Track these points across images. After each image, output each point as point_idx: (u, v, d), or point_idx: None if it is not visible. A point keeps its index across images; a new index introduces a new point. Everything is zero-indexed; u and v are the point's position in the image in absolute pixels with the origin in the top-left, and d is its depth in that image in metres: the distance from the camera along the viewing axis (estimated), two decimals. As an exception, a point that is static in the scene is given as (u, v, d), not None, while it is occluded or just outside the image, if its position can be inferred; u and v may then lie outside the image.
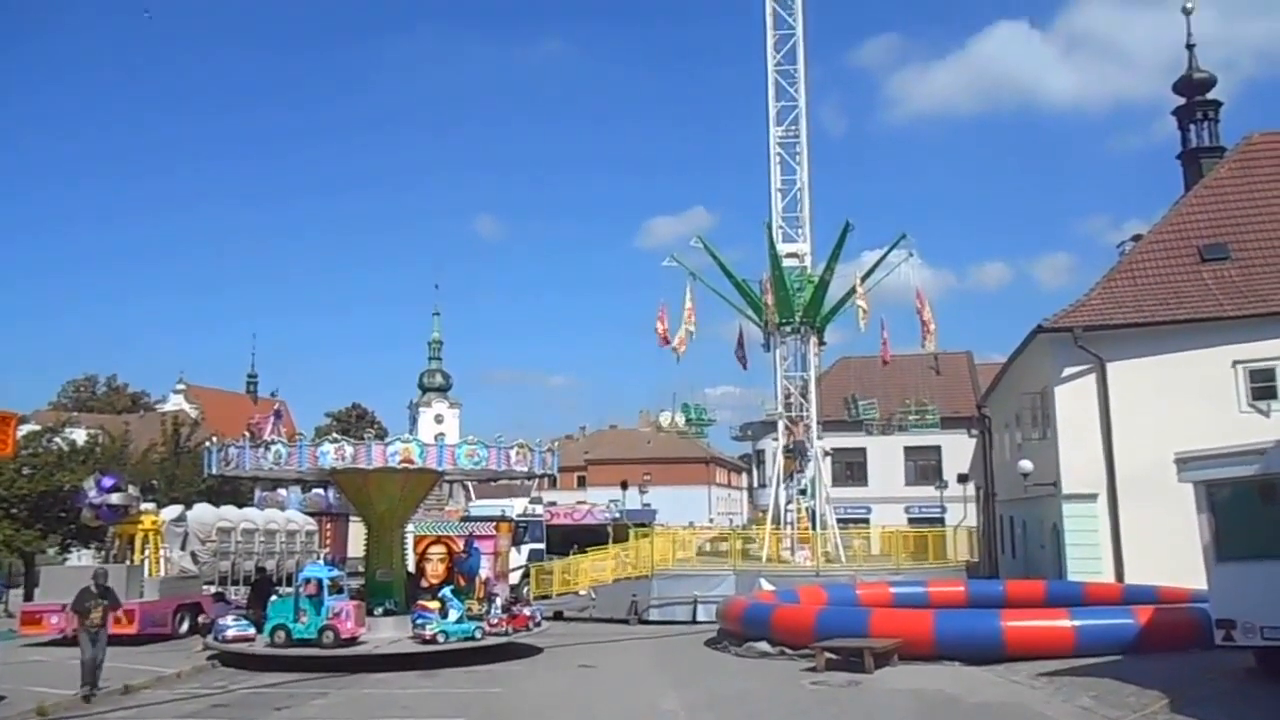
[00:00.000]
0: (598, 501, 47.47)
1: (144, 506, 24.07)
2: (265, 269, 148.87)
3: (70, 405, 67.25)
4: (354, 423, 77.08)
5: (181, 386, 79.35)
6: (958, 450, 43.14)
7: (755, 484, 57.50)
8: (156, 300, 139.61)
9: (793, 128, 32.64)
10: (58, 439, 32.87)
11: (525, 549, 34.94)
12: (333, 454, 18.72)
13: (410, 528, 22.82)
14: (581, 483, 79.24)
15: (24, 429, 25.25)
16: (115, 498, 22.35)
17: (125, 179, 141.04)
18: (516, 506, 38.07)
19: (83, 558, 34.16)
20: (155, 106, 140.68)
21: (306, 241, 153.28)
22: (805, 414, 31.62)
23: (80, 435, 35.61)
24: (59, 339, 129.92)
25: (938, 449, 45.97)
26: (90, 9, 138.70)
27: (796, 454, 31.47)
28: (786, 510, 31.14)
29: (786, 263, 31.34)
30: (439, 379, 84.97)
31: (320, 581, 18.06)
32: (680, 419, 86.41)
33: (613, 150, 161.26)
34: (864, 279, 31.24)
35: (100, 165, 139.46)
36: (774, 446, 33.63)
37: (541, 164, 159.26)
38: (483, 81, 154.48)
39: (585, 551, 32.63)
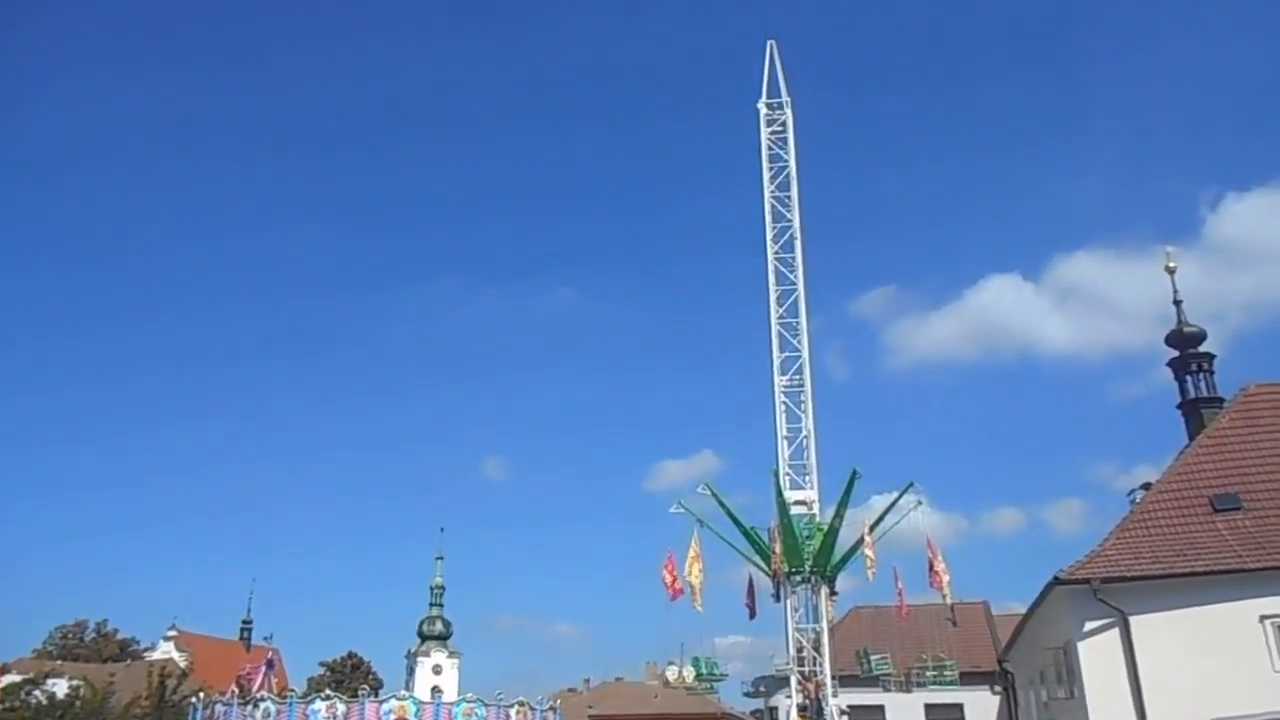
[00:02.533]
0: (602, 762, 44.50)
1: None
2: (265, 509, 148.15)
3: (55, 653, 64.85)
4: (349, 673, 73.98)
5: (173, 633, 76.86)
6: (981, 708, 40.90)
7: (770, 743, 54.09)
8: (153, 543, 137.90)
9: (797, 377, 33.38)
10: (37, 691, 31.52)
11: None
12: (324, 712, 17.94)
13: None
14: (586, 740, 74.91)
15: (4, 679, 24.28)
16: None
17: (136, 429, 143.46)
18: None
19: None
20: (163, 362, 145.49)
21: (307, 480, 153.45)
22: (819, 669, 30.28)
23: (62, 686, 34.15)
24: (52, 581, 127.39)
25: (960, 707, 43.53)
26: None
27: (812, 714, 29.84)
28: (802, 774, 29.13)
29: (794, 510, 31.09)
30: (439, 626, 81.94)
31: None
32: (689, 672, 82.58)
33: (621, 394, 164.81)
34: (872, 528, 30.84)
35: (110, 408, 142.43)
36: (788, 704, 31.95)
37: (551, 407, 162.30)
38: (495, 328, 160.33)
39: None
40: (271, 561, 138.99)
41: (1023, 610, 28.82)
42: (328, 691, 20.27)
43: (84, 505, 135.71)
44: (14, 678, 30.79)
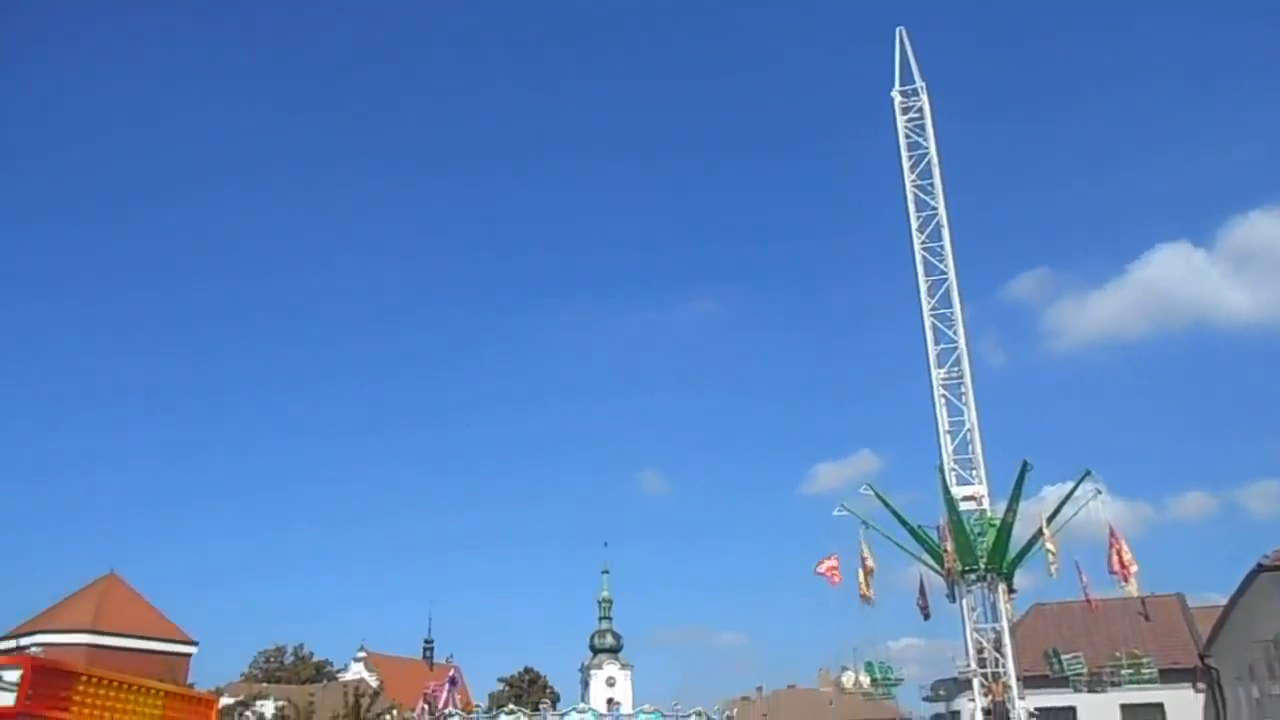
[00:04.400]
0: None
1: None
2: (440, 534, 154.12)
3: (260, 675, 69.44)
4: (526, 688, 76.06)
5: (362, 654, 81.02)
6: (1182, 708, 38.28)
7: (954, 749, 52.31)
8: (340, 570, 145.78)
9: (954, 369, 32.39)
10: (249, 712, 33.88)
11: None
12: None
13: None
14: (762, 749, 74.49)
15: (221, 703, 26.28)
16: (300, 775, 22.57)
17: (322, 469, 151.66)
18: (696, 778, 35.89)
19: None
20: (320, 377, 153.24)
21: (476, 499, 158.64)
22: (1002, 670, 29.14)
23: (269, 707, 36.58)
24: (255, 609, 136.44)
25: (1159, 707, 40.93)
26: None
27: (998, 717, 28.73)
28: (994, 782, 28.07)
29: (963, 506, 30.09)
30: (609, 639, 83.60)
31: None
32: (864, 678, 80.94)
33: (773, 400, 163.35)
34: (1049, 520, 29.52)
35: (298, 439, 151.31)
36: (971, 708, 30.86)
37: (701, 417, 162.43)
38: (639, 342, 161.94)
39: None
40: (446, 583, 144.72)
41: (1222, 601, 26.94)
42: (511, 706, 21.00)
43: (279, 540, 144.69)
44: (228, 700, 33.15)
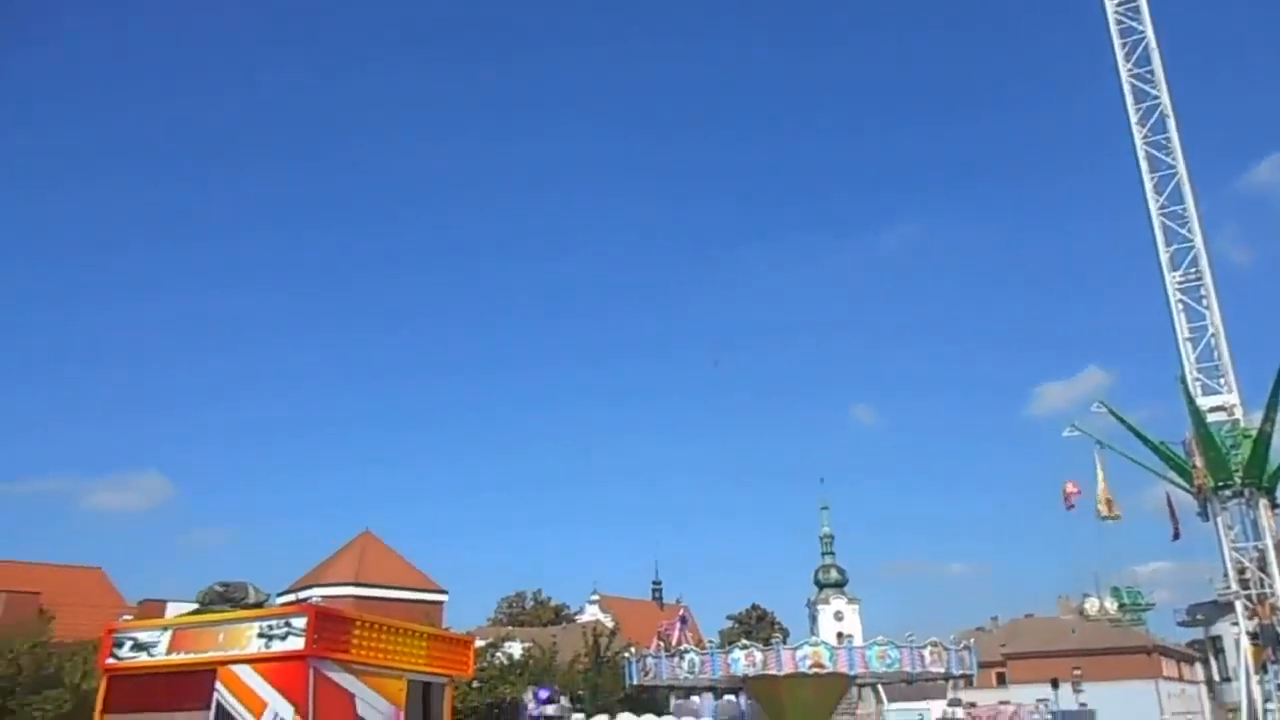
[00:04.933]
0: (1023, 701, 42.92)
1: (574, 717, 25.63)
2: (662, 479, 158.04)
3: (505, 620, 74.24)
4: (755, 624, 77.37)
5: (595, 597, 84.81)
6: None
7: (1216, 677, 49.08)
8: (571, 518, 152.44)
9: (1191, 270, 29.84)
10: (499, 654, 36.27)
11: (951, 757, 32.28)
12: (743, 660, 18.98)
13: (826, 735, 22.11)
14: (1001, 680, 72.60)
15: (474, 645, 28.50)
16: (551, 709, 24.08)
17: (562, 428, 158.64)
18: (934, 709, 35.55)
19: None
20: (554, 353, 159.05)
21: (692, 449, 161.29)
22: (1269, 590, 26.95)
23: (515, 649, 39.04)
24: (497, 559, 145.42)
25: None
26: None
27: (1266, 640, 26.65)
28: (1266, 711, 26.15)
29: (1212, 418, 27.86)
30: (834, 574, 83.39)
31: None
32: (1110, 604, 77.10)
33: (988, 322, 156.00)
34: (1316, 426, 26.82)
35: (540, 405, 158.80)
36: (1234, 632, 28.79)
37: (913, 350, 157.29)
38: (844, 271, 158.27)
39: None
40: (671, 527, 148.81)
41: None
42: (744, 640, 21.43)
43: (515, 495, 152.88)
44: (480, 643, 35.65)
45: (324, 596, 33.27)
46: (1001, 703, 44.68)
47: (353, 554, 49.48)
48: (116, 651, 11.84)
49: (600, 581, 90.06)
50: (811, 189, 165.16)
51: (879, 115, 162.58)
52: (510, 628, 54.35)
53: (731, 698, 31.12)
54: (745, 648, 19.72)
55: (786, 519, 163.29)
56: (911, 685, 31.03)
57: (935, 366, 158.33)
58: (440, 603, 48.73)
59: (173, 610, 29.21)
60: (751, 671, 19.10)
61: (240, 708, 10.58)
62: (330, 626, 10.97)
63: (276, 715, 10.34)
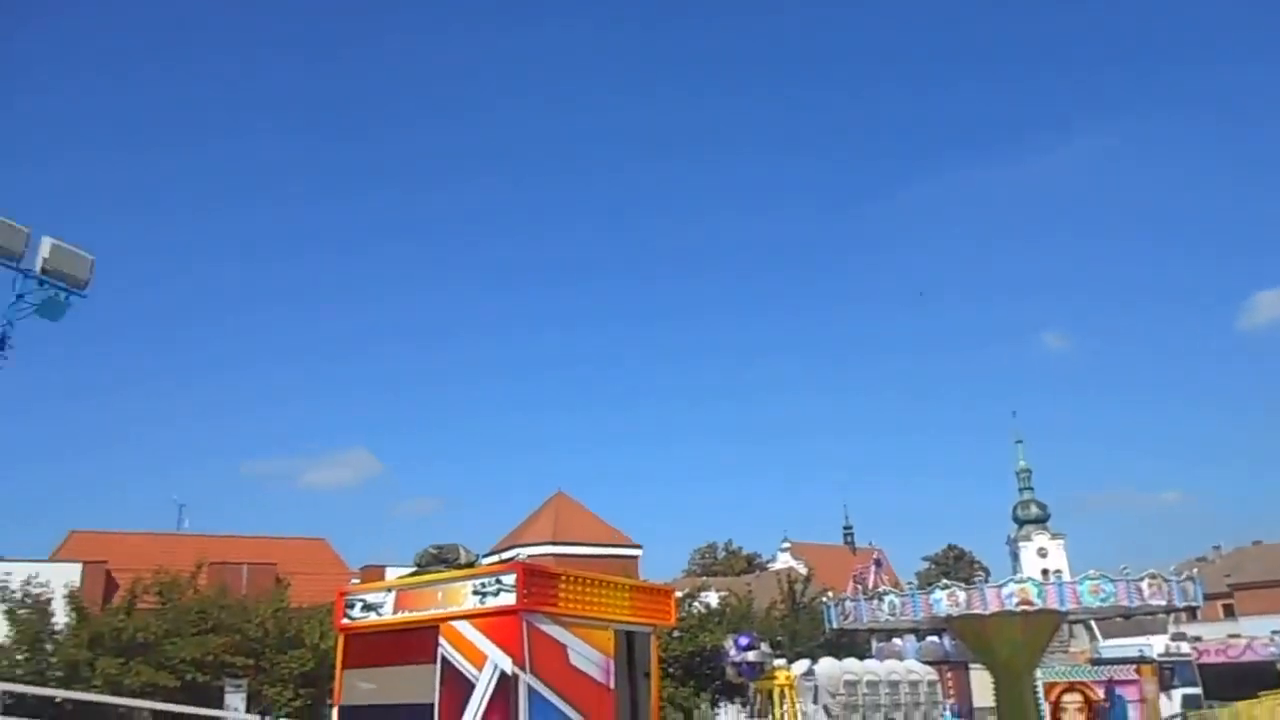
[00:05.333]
0: (1255, 634, 40.10)
1: (775, 662, 25.85)
2: (847, 424, 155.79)
3: (698, 571, 75.63)
4: (953, 564, 75.62)
5: (786, 545, 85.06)
6: None
7: None
8: (760, 468, 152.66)
9: None
10: (696, 603, 37.03)
11: (1177, 695, 30.60)
12: (946, 601, 18.55)
13: (1039, 673, 21.40)
14: (1228, 612, 68.24)
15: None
16: (752, 655, 24.36)
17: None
18: (1156, 645, 33.75)
19: (729, 712, 37.39)
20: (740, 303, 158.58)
21: (880, 387, 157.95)
22: None
23: (712, 598, 39.75)
24: (689, 511, 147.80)
25: None
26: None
27: None
28: None
29: None
30: (1034, 510, 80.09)
31: (956, 734, 17.63)
32: (1353, 526, 70.94)
33: (1193, 227, 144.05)
34: None
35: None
36: None
37: (1106, 269, 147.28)
38: (1026, 188, 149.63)
39: (1256, 696, 27.53)
40: (858, 470, 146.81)
41: None
42: (944, 581, 20.94)
43: (702, 448, 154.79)
44: (677, 594, 36.45)
45: (526, 556, 34.95)
46: (1231, 636, 41.89)
47: (548, 514, 51.55)
48: (349, 612, 12.86)
49: (790, 529, 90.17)
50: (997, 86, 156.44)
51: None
52: (704, 578, 55.35)
53: (935, 639, 30.63)
54: (947, 588, 19.23)
55: (978, 457, 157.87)
56: (1129, 620, 29.54)
57: (1130, 280, 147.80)
58: (635, 557, 50.15)
59: (391, 574, 31.40)
60: (955, 612, 18.63)
61: (463, 660, 11.29)
62: (538, 582, 11.52)
63: (496, 666, 10.97)
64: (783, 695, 25.46)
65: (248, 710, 24.64)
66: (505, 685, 10.81)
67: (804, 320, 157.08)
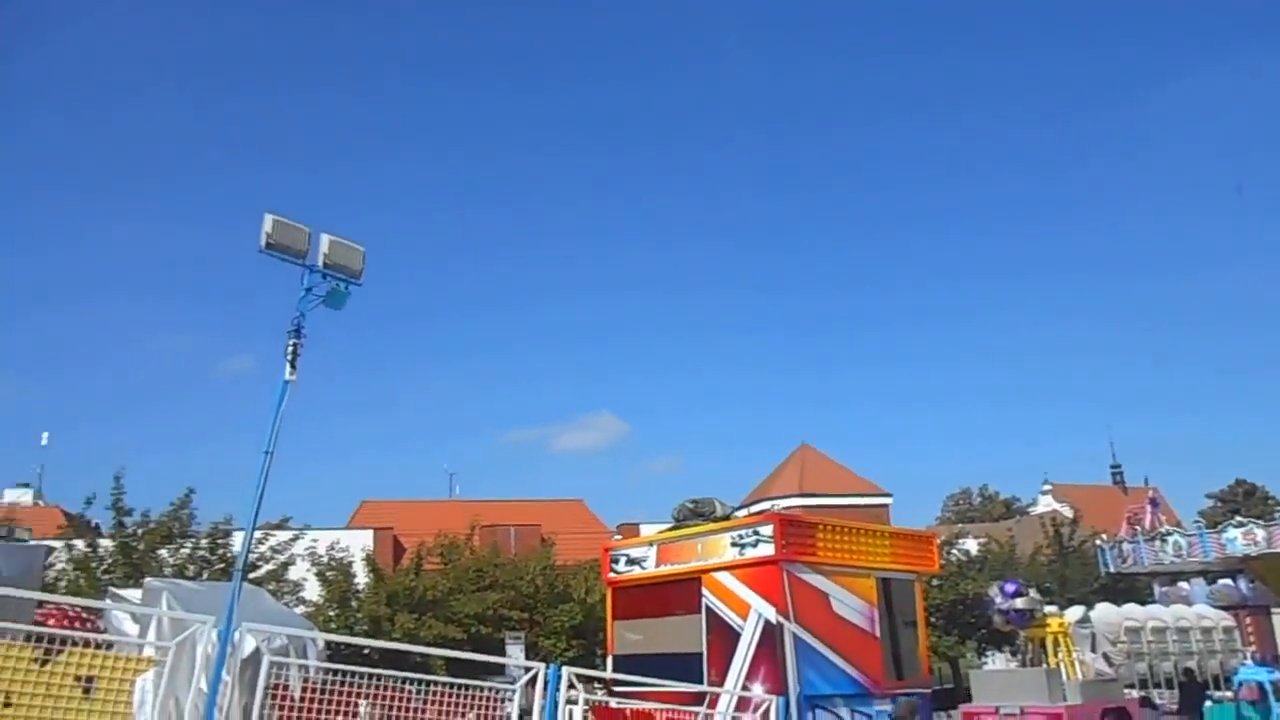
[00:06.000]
0: None
1: (1046, 609, 24.58)
2: (1113, 361, 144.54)
3: (953, 518, 73.15)
4: (1243, 500, 68.73)
5: (1048, 487, 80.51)
6: None
7: None
8: (1015, 406, 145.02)
9: None
10: (954, 550, 35.86)
11: None
12: (1241, 539, 17.04)
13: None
14: None
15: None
16: (1019, 602, 23.26)
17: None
18: None
19: (997, 660, 36.10)
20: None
21: (1147, 312, 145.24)
22: None
23: (971, 545, 38.35)
24: (939, 457, 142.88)
25: None
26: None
27: None
28: None
29: None
30: (1341, 437, 71.40)
31: (1263, 685, 16.14)
32: None
33: None
34: None
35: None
36: None
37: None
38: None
39: None
40: (1126, 407, 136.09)
41: None
42: (1238, 519, 19.12)
43: (951, 391, 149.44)
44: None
45: (781, 509, 35.16)
46: None
47: (794, 467, 51.52)
48: (614, 567, 13.50)
49: (1051, 471, 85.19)
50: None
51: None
52: (960, 525, 53.46)
53: (1228, 581, 28.04)
54: (1242, 525, 17.60)
55: (1265, 381, 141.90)
56: None
57: None
58: (885, 506, 49.24)
59: (646, 530, 32.59)
60: (1253, 551, 17.03)
61: (727, 610, 11.58)
62: (796, 532, 11.61)
63: (760, 616, 11.18)
64: (1057, 643, 24.22)
65: (526, 659, 26.46)
66: (770, 634, 11.01)
67: (1063, 235, 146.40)
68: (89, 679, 6.88)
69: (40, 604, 10.20)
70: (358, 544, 31.63)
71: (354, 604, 27.12)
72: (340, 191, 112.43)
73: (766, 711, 10.25)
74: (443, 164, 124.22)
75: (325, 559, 27.64)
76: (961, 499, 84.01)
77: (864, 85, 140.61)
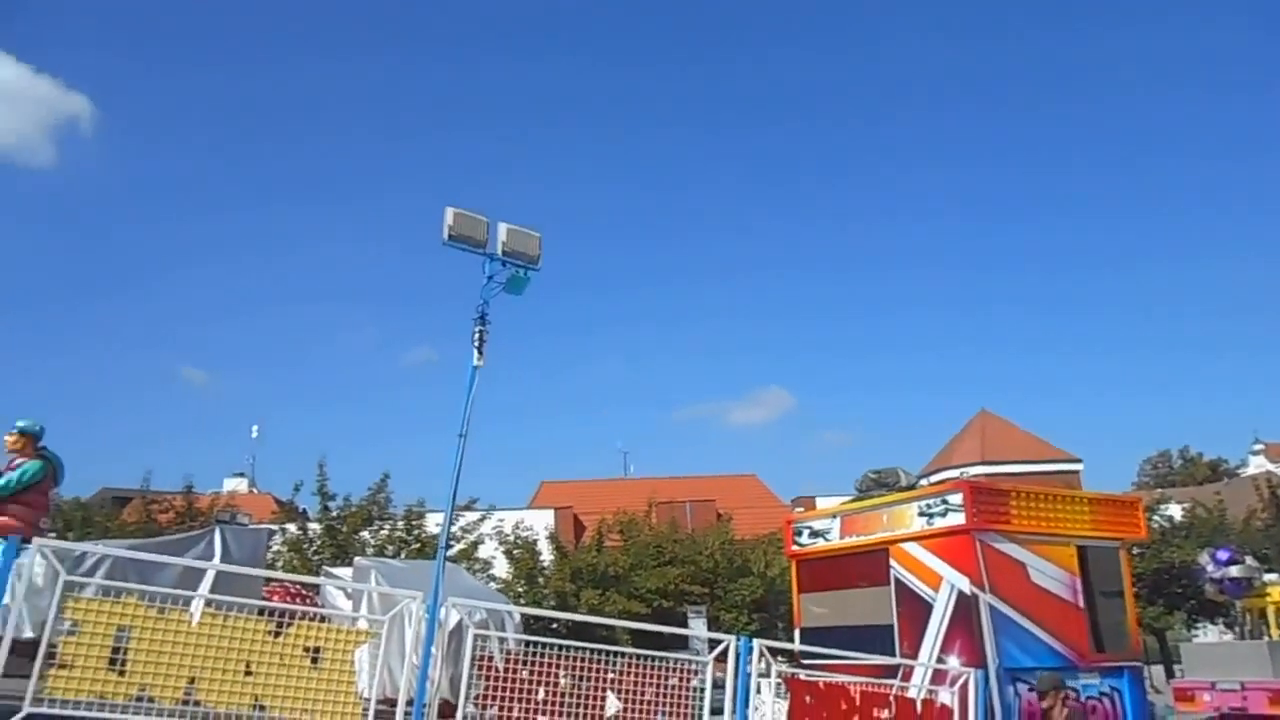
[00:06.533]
0: None
1: (1266, 577, 22.79)
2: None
3: (1150, 483, 68.69)
4: None
5: (1259, 446, 74.37)
6: None
7: None
8: (1224, 360, 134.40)
9: None
10: (1156, 517, 33.72)
11: None
12: None
13: None
14: None
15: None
16: (1235, 570, 21.64)
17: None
18: None
19: (1209, 633, 33.78)
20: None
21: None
22: None
23: (1174, 510, 35.94)
24: (1135, 417, 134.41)
25: None
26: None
27: None
28: None
29: None
30: None
31: None
32: None
33: None
34: None
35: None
36: None
37: None
38: None
39: None
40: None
41: None
42: None
43: (1146, 349, 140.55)
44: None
45: (970, 476, 33.88)
46: None
47: (974, 434, 49.64)
48: (797, 540, 13.40)
49: (1261, 429, 78.56)
50: None
51: None
52: (1160, 490, 50.15)
53: None
54: None
55: None
56: None
57: None
58: (1075, 471, 46.75)
59: (821, 503, 32.18)
60: None
61: (917, 581, 11.29)
62: (987, 499, 11.17)
63: (953, 587, 10.84)
64: (1278, 614, 22.43)
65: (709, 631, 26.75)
66: (965, 605, 10.65)
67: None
68: (316, 650, 7.41)
69: (267, 581, 11.08)
70: (540, 523, 32.73)
71: (540, 580, 28.12)
72: (513, 169, 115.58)
73: (965, 684, 9.94)
74: (616, 140, 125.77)
75: (511, 538, 28.74)
76: (1160, 462, 78.76)
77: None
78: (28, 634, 7.42)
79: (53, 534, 14.53)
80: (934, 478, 38.25)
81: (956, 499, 11.02)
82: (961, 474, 17.43)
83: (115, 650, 6.77)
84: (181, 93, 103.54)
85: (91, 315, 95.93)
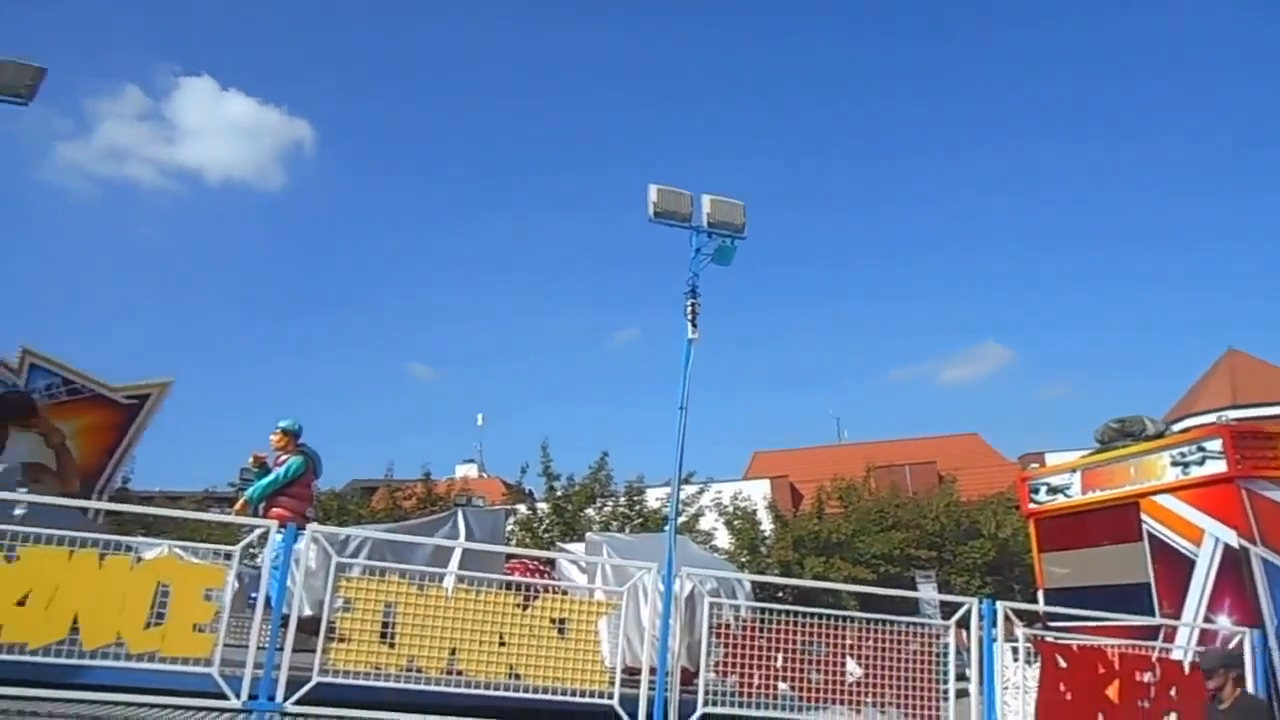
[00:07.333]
0: None
1: None
2: None
3: None
4: None
5: None
6: None
7: None
8: None
9: None
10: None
11: None
12: None
13: None
14: None
15: None
16: None
17: None
18: None
19: None
20: None
21: None
22: None
23: None
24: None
25: None
26: None
27: None
28: None
29: None
30: None
31: None
32: None
33: None
34: None
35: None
36: None
37: None
38: None
39: None
40: None
41: None
42: None
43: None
44: None
45: (1198, 426, 30.89)
46: None
47: (1222, 376, 45.21)
48: (1034, 497, 12.73)
49: None
50: None
51: None
52: None
53: None
54: None
55: None
56: None
57: None
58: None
59: (1052, 459, 30.33)
60: None
61: (1174, 536, 10.49)
62: (1251, 444, 10.19)
63: (1218, 540, 9.99)
64: None
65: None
66: (1233, 560, 9.79)
67: None
68: (561, 621, 7.75)
69: (508, 558, 11.68)
70: (758, 493, 32.70)
71: (763, 550, 28.17)
72: (714, 141, 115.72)
73: (1239, 645, 9.13)
74: (829, 109, 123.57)
75: (730, 509, 28.93)
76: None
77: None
78: (307, 612, 8.17)
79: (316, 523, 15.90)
80: (1175, 426, 35.42)
81: (1215, 445, 10.12)
82: (1220, 418, 15.96)
83: (384, 625, 7.36)
84: (392, 117, 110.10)
85: (326, 322, 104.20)
